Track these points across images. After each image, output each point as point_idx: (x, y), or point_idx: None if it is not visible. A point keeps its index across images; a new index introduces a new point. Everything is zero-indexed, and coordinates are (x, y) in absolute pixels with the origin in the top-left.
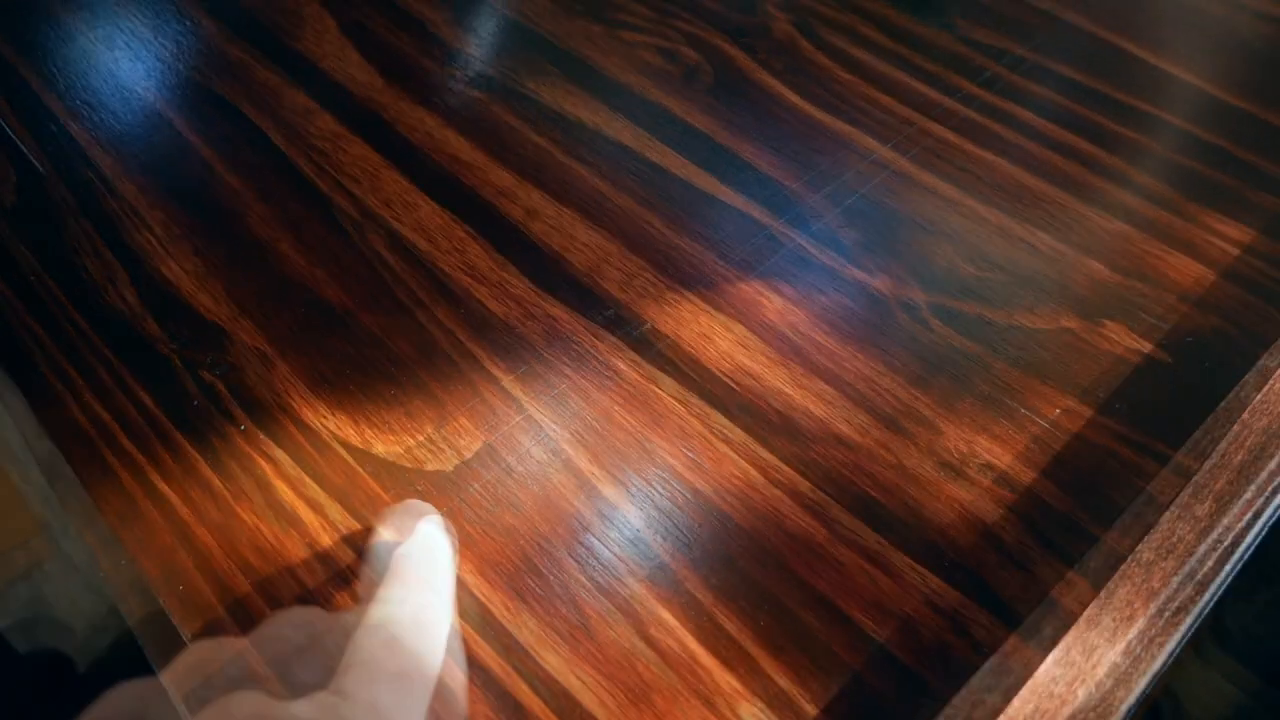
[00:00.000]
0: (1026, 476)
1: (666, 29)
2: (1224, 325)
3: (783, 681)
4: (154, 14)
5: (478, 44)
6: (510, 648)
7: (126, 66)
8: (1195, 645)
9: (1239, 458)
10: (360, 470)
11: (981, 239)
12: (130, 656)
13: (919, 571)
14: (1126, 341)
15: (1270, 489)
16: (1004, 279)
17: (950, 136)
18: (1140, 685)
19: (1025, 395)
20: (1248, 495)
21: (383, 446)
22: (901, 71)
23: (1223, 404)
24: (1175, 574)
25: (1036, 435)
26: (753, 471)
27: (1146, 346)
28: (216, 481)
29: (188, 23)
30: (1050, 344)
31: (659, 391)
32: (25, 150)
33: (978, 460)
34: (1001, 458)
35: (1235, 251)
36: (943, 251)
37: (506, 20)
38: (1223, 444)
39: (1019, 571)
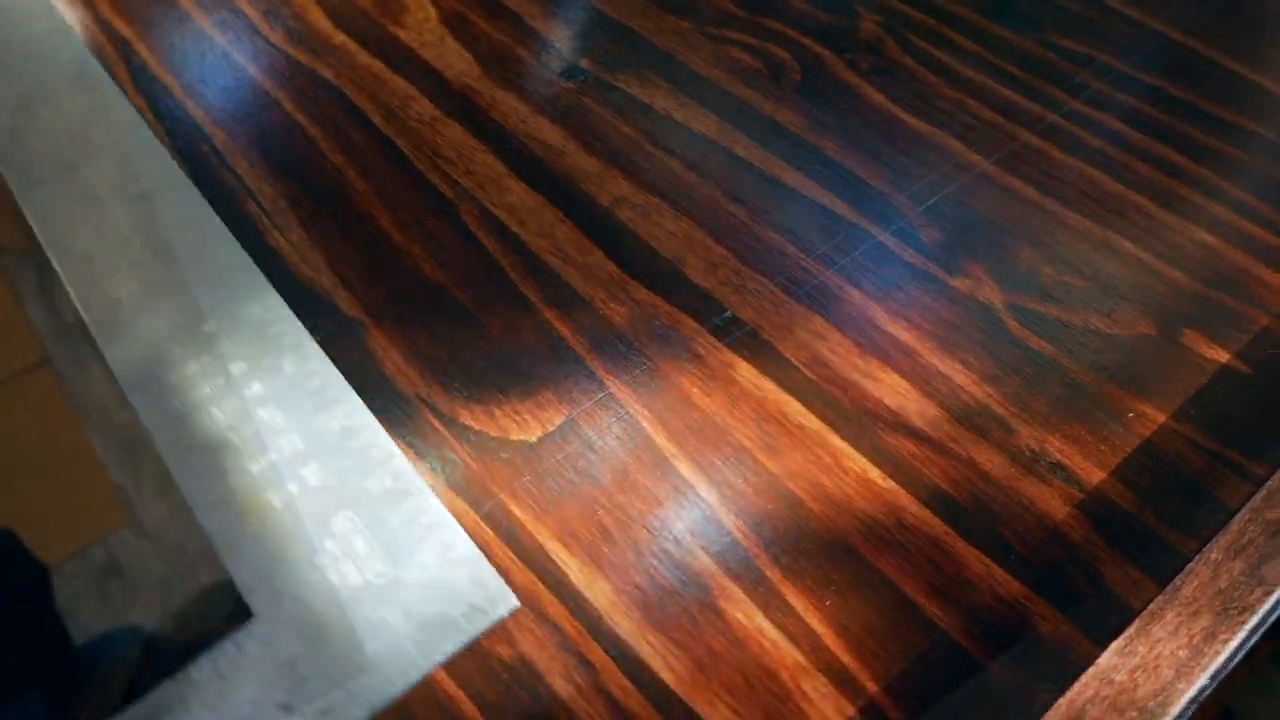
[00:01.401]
0: (1096, 477)
1: (755, 27)
2: None
3: (846, 659)
4: (264, 1)
5: (571, 36)
6: (584, 610)
7: (238, 49)
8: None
9: None
10: (448, 437)
11: (1062, 243)
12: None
13: (985, 563)
14: (1204, 350)
15: None
16: (1083, 283)
17: (1035, 141)
18: (1201, 679)
19: (1099, 398)
20: None
21: (470, 416)
22: (987, 76)
23: None
24: (1243, 574)
25: (1108, 437)
26: (825, 457)
27: (1224, 356)
28: None
29: (295, 9)
30: (1126, 349)
31: (736, 376)
32: (146, 124)
33: (1048, 459)
34: (1072, 458)
35: None
36: (1023, 254)
37: (599, 14)
38: None
39: (1084, 568)
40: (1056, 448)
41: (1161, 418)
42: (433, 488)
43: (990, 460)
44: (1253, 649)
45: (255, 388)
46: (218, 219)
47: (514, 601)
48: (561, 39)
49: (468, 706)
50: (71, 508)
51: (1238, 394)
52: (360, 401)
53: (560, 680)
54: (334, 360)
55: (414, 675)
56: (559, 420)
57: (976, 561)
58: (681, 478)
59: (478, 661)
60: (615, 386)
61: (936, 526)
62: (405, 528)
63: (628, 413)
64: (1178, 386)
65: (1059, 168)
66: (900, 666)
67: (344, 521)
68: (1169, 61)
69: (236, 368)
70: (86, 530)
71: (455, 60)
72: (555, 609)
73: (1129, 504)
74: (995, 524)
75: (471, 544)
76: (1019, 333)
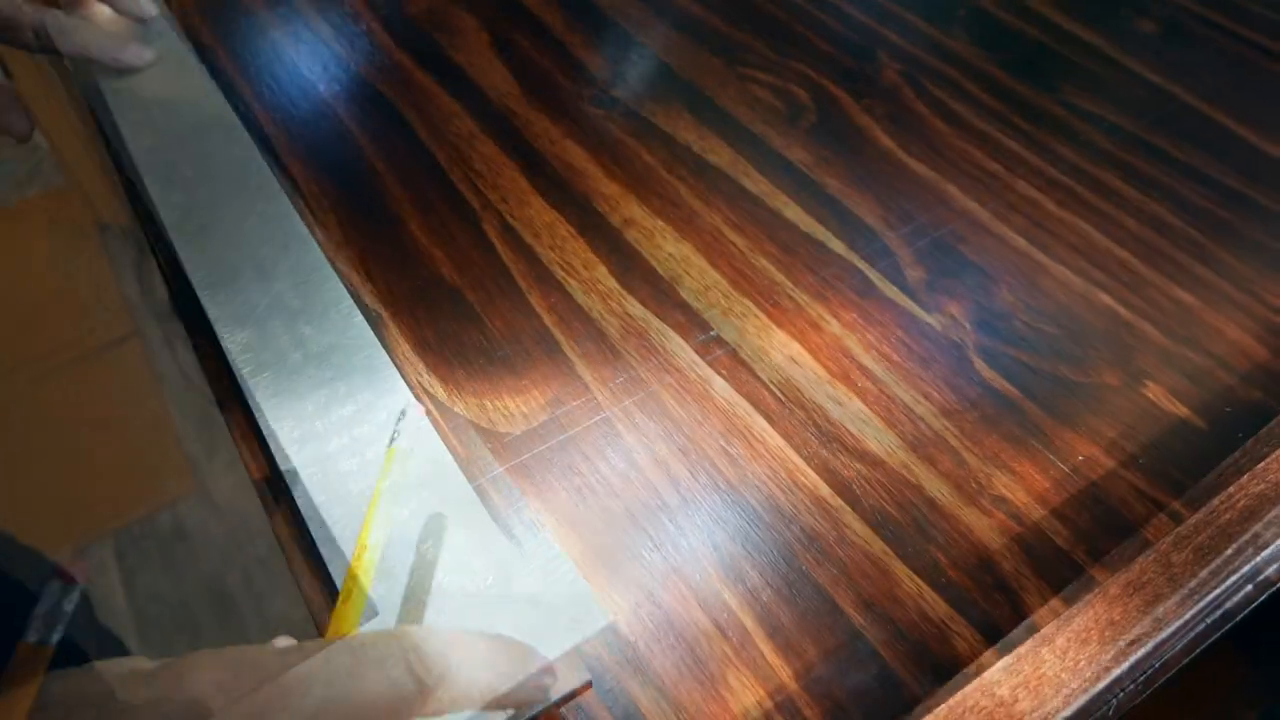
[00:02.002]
0: (1036, 513)
1: (782, 69)
2: (1267, 401)
3: (771, 657)
4: (336, 17)
5: (608, 66)
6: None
7: (306, 59)
8: None
9: (1226, 516)
10: (441, 422)
11: (1042, 291)
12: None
13: (916, 582)
14: (1164, 403)
15: (1252, 549)
16: (1055, 331)
17: (1032, 193)
18: (1080, 701)
19: (1052, 440)
20: (1228, 552)
21: (463, 406)
22: (996, 127)
23: (1229, 461)
24: (1137, 611)
25: (1055, 477)
26: (781, 473)
27: (1183, 411)
28: None
29: (362, 28)
30: (1087, 396)
31: (711, 392)
32: None
33: (993, 493)
34: (1016, 493)
35: None
36: (1002, 299)
37: (638, 47)
38: (1215, 500)
39: (1010, 595)
40: (1003, 483)
41: (1111, 464)
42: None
43: (937, 489)
44: (1148, 680)
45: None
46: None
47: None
48: (599, 68)
49: None
50: (146, 472)
51: (1191, 448)
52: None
53: None
54: None
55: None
56: (543, 416)
57: (908, 580)
58: (645, 476)
59: None
60: (598, 390)
61: (876, 545)
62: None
63: (605, 413)
64: (1132, 436)
65: (1051, 220)
66: (821, 669)
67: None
68: (1179, 125)
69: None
70: (157, 495)
71: (499, 82)
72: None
73: (1063, 541)
74: (932, 548)
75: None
76: (985, 373)
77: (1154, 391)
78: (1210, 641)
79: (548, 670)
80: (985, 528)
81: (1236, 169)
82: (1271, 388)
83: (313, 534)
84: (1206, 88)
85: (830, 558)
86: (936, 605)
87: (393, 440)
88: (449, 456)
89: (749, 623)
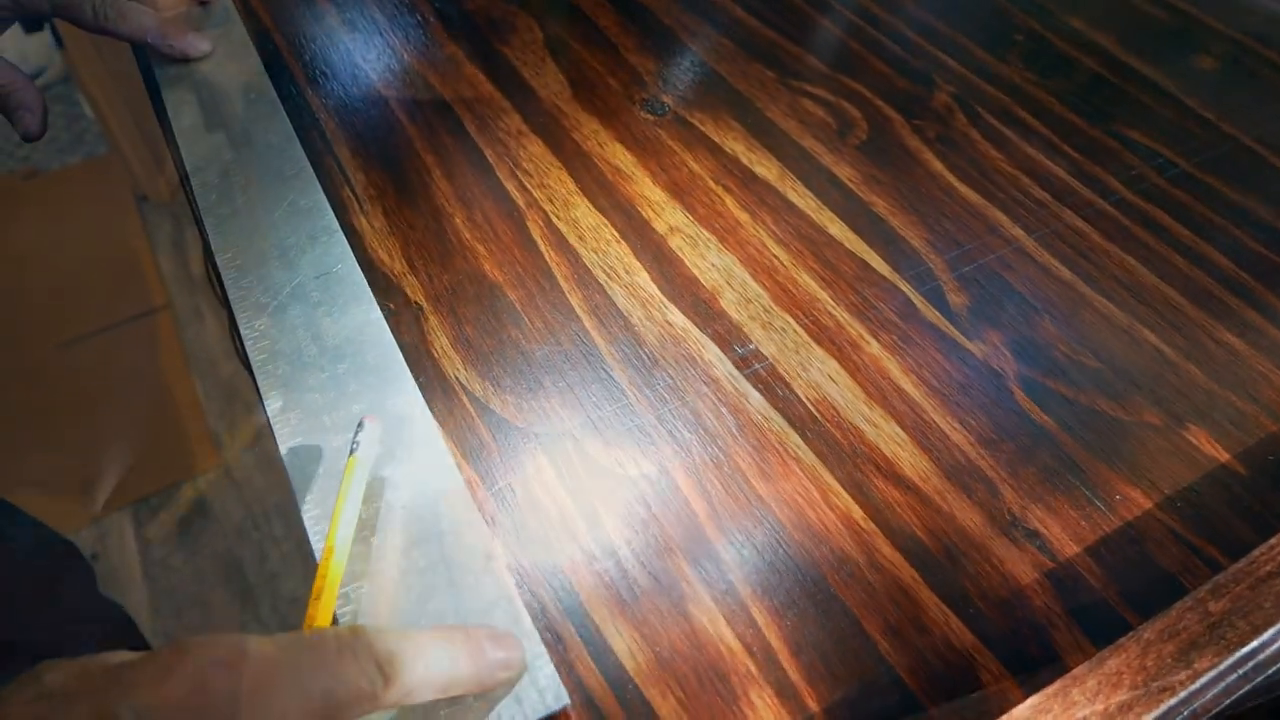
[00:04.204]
0: (1069, 549)
1: (835, 84)
2: None
3: (794, 676)
4: (392, 7)
5: (659, 72)
6: (562, 593)
7: (361, 48)
8: None
9: (1267, 568)
10: (476, 419)
11: (1085, 325)
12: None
13: (944, 611)
14: (1205, 447)
15: None
16: (1097, 365)
17: (1080, 224)
18: None
19: (1088, 475)
20: (1266, 606)
21: (498, 404)
22: (1046, 156)
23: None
24: (1172, 657)
25: (1090, 515)
26: (814, 491)
27: (1224, 456)
28: None
29: (417, 18)
30: (1127, 434)
31: (747, 405)
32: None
33: (1026, 526)
34: (1050, 528)
35: None
36: (1044, 329)
37: (690, 54)
38: (1256, 551)
39: (1038, 631)
40: (1037, 516)
41: (1148, 504)
42: (458, 460)
43: (970, 518)
44: None
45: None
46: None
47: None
48: (650, 74)
49: None
50: (169, 444)
51: (1230, 493)
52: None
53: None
54: (391, 332)
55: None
56: (578, 419)
57: (936, 609)
58: (677, 491)
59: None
60: (634, 396)
61: (905, 571)
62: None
63: (639, 418)
64: (1171, 477)
65: (1097, 252)
66: (843, 692)
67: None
68: (1234, 166)
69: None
70: (178, 467)
71: (550, 81)
72: (539, 585)
73: (1096, 579)
74: (962, 577)
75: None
76: (1024, 403)
77: (1195, 435)
78: (1244, 694)
79: (508, 652)
80: (1017, 561)
81: None
82: None
83: (305, 526)
84: (1263, 130)
85: (859, 581)
86: (963, 635)
87: (352, 450)
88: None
89: (774, 641)
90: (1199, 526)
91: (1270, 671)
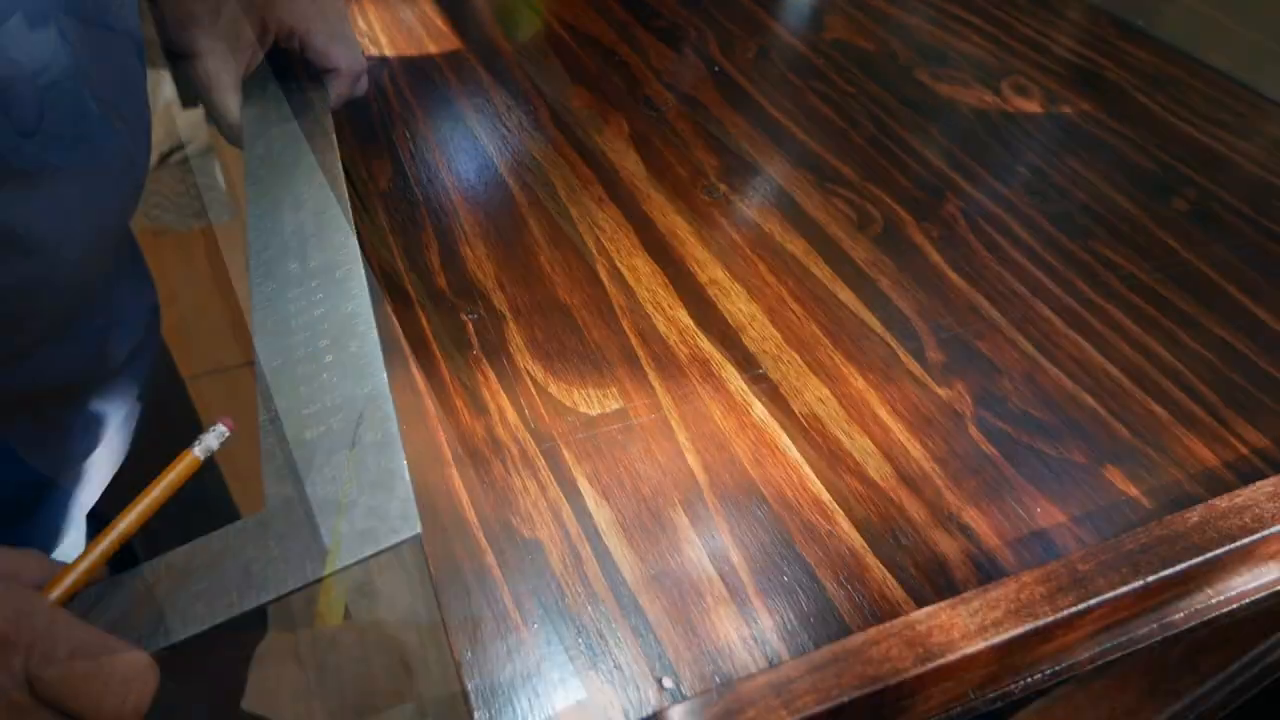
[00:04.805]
0: (993, 542)
1: (862, 190)
2: (1206, 496)
3: (755, 601)
4: (510, 97)
5: (720, 168)
6: (588, 523)
7: (478, 122)
8: None
9: (1129, 546)
10: (536, 396)
11: (1037, 386)
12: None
13: (883, 572)
14: (1119, 484)
15: (1146, 573)
16: (1041, 417)
17: (1048, 313)
18: (978, 645)
19: (1017, 492)
20: (1123, 570)
21: (555, 388)
22: (1030, 261)
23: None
24: (1041, 597)
25: (1014, 520)
26: (794, 478)
27: (1134, 491)
28: (447, 376)
29: (529, 108)
30: (1055, 467)
31: (751, 412)
32: (403, 158)
33: (960, 521)
34: (980, 525)
35: (1244, 450)
36: (1002, 385)
37: (748, 159)
38: (1124, 535)
39: (952, 591)
40: (971, 516)
41: (1062, 518)
42: (515, 425)
43: (916, 511)
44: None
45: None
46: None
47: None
48: (713, 168)
49: (490, 556)
50: (247, 488)
51: (1135, 520)
52: (485, 360)
53: (556, 557)
54: (476, 333)
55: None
56: (615, 406)
57: (877, 569)
58: (685, 463)
59: (506, 530)
60: (662, 395)
61: (857, 541)
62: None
63: (664, 413)
64: (1085, 501)
65: (1058, 335)
66: (793, 616)
67: None
68: (1188, 284)
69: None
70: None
71: (630, 165)
72: (568, 516)
73: (1009, 565)
74: (901, 552)
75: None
76: (976, 436)
77: (1112, 474)
78: (1097, 638)
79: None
80: (949, 545)
81: (1228, 325)
82: (1214, 489)
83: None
84: (1220, 261)
85: (819, 544)
86: (895, 590)
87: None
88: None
89: (744, 575)
90: (1101, 538)
91: (1123, 620)
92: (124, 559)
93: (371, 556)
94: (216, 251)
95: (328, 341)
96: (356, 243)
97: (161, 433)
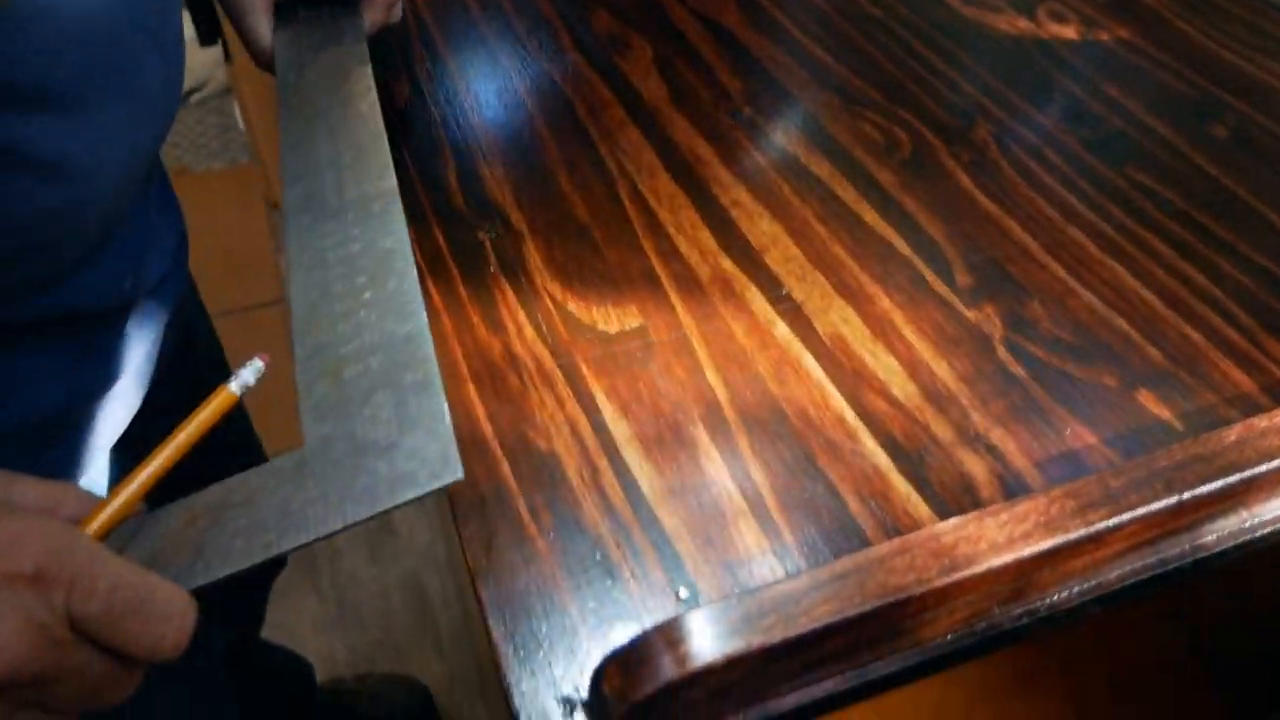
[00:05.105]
0: (1020, 463)
1: (889, 113)
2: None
3: (777, 516)
4: (530, 20)
5: (744, 90)
6: (605, 435)
7: (498, 44)
8: None
9: (1163, 463)
10: (554, 314)
11: (1070, 311)
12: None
13: (907, 490)
14: (1152, 407)
15: (1180, 490)
16: (1073, 339)
17: (1080, 238)
18: (1005, 558)
19: (1047, 414)
20: (1157, 486)
21: (574, 306)
22: (1063, 186)
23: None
24: (1071, 511)
25: (1043, 441)
26: (816, 394)
27: (1166, 414)
28: (464, 294)
29: (550, 30)
30: (1086, 390)
31: (774, 331)
32: (420, 77)
33: (987, 441)
34: (1007, 445)
35: None
36: (1032, 309)
37: (773, 81)
38: (1159, 451)
39: (980, 506)
40: (998, 436)
41: (1093, 440)
42: (532, 341)
43: (942, 430)
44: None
45: None
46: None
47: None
48: (737, 91)
49: (505, 467)
50: (263, 423)
51: (1163, 442)
52: (503, 277)
53: (573, 470)
54: (494, 251)
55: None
56: (635, 324)
57: (901, 487)
58: (706, 380)
59: (522, 443)
60: (683, 314)
61: (881, 459)
62: None
63: (685, 332)
64: (1116, 424)
65: (1091, 260)
66: (814, 531)
67: None
68: (1226, 211)
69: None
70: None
71: (653, 87)
72: (585, 430)
73: (1037, 485)
74: (926, 470)
75: None
76: (1004, 358)
77: (1145, 397)
78: (1130, 556)
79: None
80: (974, 464)
81: (1267, 251)
82: (1249, 412)
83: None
84: (1260, 187)
85: (842, 461)
86: (920, 508)
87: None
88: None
89: (765, 491)
90: (1131, 457)
91: (1154, 539)
92: (155, 499)
93: (413, 500)
94: (235, 192)
95: (365, 278)
96: (394, 176)
97: (189, 367)
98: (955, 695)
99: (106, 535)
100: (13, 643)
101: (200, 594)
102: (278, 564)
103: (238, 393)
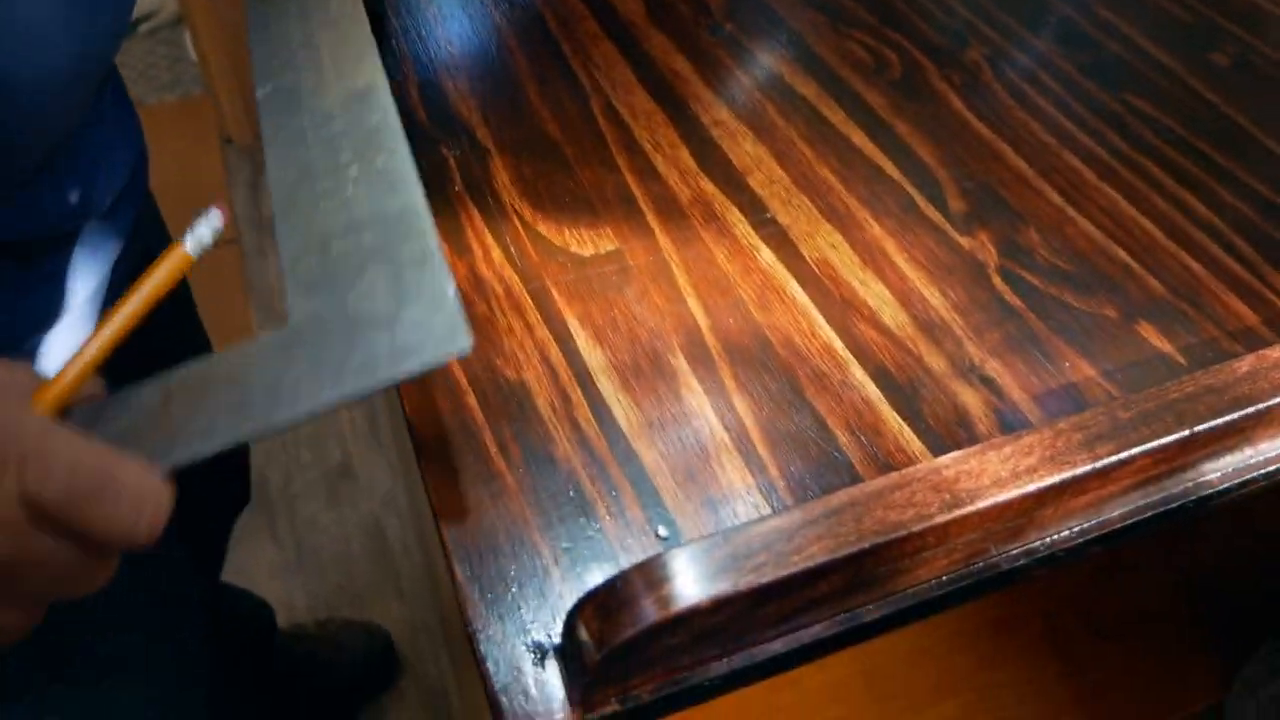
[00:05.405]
0: (1017, 395)
1: (877, 33)
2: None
3: (761, 450)
4: None
5: (726, 6)
6: (578, 365)
7: None
8: None
9: (1173, 395)
10: (524, 235)
11: (1067, 237)
12: None
13: (899, 424)
14: (1153, 340)
15: (1192, 423)
16: (1070, 268)
17: (1077, 164)
18: (1011, 492)
19: (1045, 346)
20: (1167, 419)
21: (544, 227)
22: (1056, 109)
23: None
24: (1078, 444)
25: (1041, 374)
26: (802, 322)
27: (1168, 348)
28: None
29: None
30: (1085, 322)
31: (758, 256)
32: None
33: (982, 373)
34: (1003, 377)
35: None
36: (1028, 236)
37: (758, 2)
38: (1169, 383)
39: (975, 444)
40: (994, 368)
41: (1093, 373)
42: (500, 264)
43: (935, 361)
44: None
45: None
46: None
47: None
48: (717, 6)
49: (471, 398)
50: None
51: (1166, 376)
52: (469, 197)
53: (544, 401)
54: (459, 169)
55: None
56: (610, 248)
57: (893, 421)
58: (686, 306)
59: (490, 372)
60: (661, 237)
61: (871, 391)
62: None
63: (663, 256)
64: (1117, 356)
65: (1088, 187)
66: (801, 467)
67: None
68: (1227, 138)
69: None
70: None
71: (629, 1)
72: (557, 358)
73: (1035, 419)
74: (919, 403)
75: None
76: (1000, 287)
77: (1146, 329)
78: (1136, 494)
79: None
80: (969, 397)
81: (1269, 180)
82: (1254, 345)
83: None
84: (1261, 115)
85: (830, 393)
86: (912, 442)
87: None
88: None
89: (749, 424)
90: (1135, 391)
91: (1158, 476)
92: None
93: (417, 373)
94: (187, 125)
95: (350, 155)
96: (378, 54)
97: None
98: (934, 637)
99: (62, 413)
100: None
101: (178, 477)
102: (241, 501)
103: (193, 254)
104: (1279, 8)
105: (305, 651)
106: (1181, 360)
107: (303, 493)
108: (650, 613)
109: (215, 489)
